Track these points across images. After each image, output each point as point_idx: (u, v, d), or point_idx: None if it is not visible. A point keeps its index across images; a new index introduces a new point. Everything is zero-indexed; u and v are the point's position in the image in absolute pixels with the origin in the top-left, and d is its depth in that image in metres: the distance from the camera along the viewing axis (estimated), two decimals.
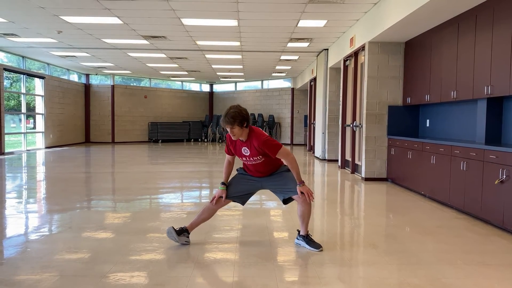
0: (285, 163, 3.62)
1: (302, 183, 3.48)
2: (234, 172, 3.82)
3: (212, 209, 3.70)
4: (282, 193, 3.62)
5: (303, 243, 3.62)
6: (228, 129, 3.37)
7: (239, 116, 3.31)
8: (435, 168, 5.78)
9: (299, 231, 3.69)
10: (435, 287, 2.83)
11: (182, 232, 3.64)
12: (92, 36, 10.19)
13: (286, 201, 3.65)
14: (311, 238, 3.62)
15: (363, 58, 8.11)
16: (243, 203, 3.77)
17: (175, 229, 3.62)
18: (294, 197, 3.56)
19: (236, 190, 3.68)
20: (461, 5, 5.33)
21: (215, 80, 20.51)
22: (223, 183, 3.65)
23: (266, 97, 19.86)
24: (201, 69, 16.18)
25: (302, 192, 3.46)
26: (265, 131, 18.99)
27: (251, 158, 3.52)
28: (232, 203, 3.82)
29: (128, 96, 19.08)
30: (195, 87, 22.18)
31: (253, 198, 3.91)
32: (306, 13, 7.73)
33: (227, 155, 3.72)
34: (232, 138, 3.49)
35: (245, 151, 3.50)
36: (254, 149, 3.45)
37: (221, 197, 3.63)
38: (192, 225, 3.71)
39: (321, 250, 3.53)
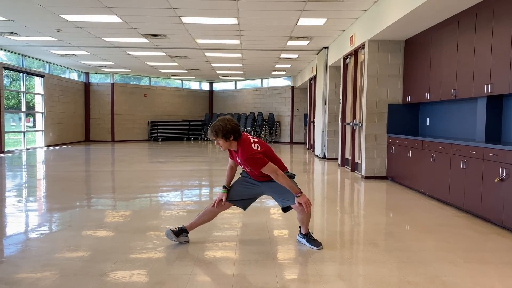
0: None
1: (299, 193, 3.45)
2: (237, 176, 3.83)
3: (214, 211, 3.71)
4: (281, 202, 3.64)
5: (304, 241, 3.66)
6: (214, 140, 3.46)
7: (222, 130, 3.37)
8: (435, 166, 5.78)
9: (300, 228, 3.72)
10: (435, 285, 2.83)
11: (181, 233, 3.65)
12: (92, 35, 10.18)
13: (285, 209, 3.66)
14: (311, 237, 3.65)
15: (363, 56, 8.10)
16: (244, 208, 3.77)
17: (172, 231, 3.62)
18: (292, 206, 3.57)
19: (237, 193, 3.68)
20: (461, 3, 5.32)
21: (215, 78, 20.49)
22: (224, 187, 3.67)
23: (266, 96, 19.84)
24: (201, 68, 16.17)
25: (300, 203, 3.47)
26: (265, 129, 18.99)
27: (246, 168, 3.56)
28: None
29: (128, 94, 19.07)
30: (195, 85, 22.17)
31: None
32: (306, 11, 7.72)
33: (230, 159, 3.74)
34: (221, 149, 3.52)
35: (238, 160, 3.54)
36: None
37: (221, 200, 3.64)
38: (191, 225, 3.72)
39: (321, 248, 3.54)
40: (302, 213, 3.54)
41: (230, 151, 3.61)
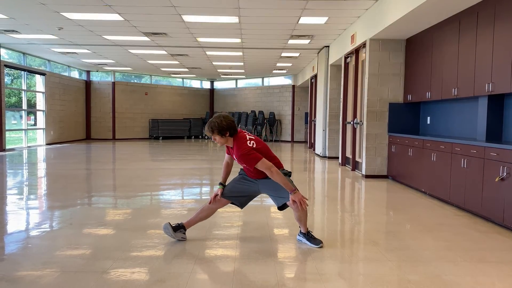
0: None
1: (294, 191, 3.43)
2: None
3: (211, 208, 3.74)
4: (277, 200, 3.65)
5: (304, 240, 3.66)
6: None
7: (217, 127, 3.46)
8: (435, 165, 5.78)
9: (300, 228, 3.72)
10: (435, 284, 2.83)
11: (179, 229, 3.68)
12: (93, 33, 10.17)
13: (281, 207, 3.65)
14: (311, 235, 3.65)
15: (364, 55, 8.09)
16: (241, 205, 3.78)
17: (171, 225, 3.66)
18: (288, 203, 3.57)
19: (234, 190, 3.70)
20: (462, 2, 5.32)
21: (216, 77, 20.49)
22: (220, 183, 3.72)
23: (266, 94, 19.84)
24: (201, 66, 16.17)
25: (294, 201, 3.44)
26: (266, 128, 18.98)
27: (241, 164, 3.59)
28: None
29: (129, 93, 19.08)
30: (195, 84, 22.16)
31: None
32: (307, 9, 7.71)
33: (226, 154, 3.80)
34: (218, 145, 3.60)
35: (235, 156, 3.58)
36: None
37: (217, 195, 3.66)
38: (189, 222, 3.73)
39: (322, 247, 3.55)
40: (297, 211, 3.54)
41: (227, 146, 3.68)
